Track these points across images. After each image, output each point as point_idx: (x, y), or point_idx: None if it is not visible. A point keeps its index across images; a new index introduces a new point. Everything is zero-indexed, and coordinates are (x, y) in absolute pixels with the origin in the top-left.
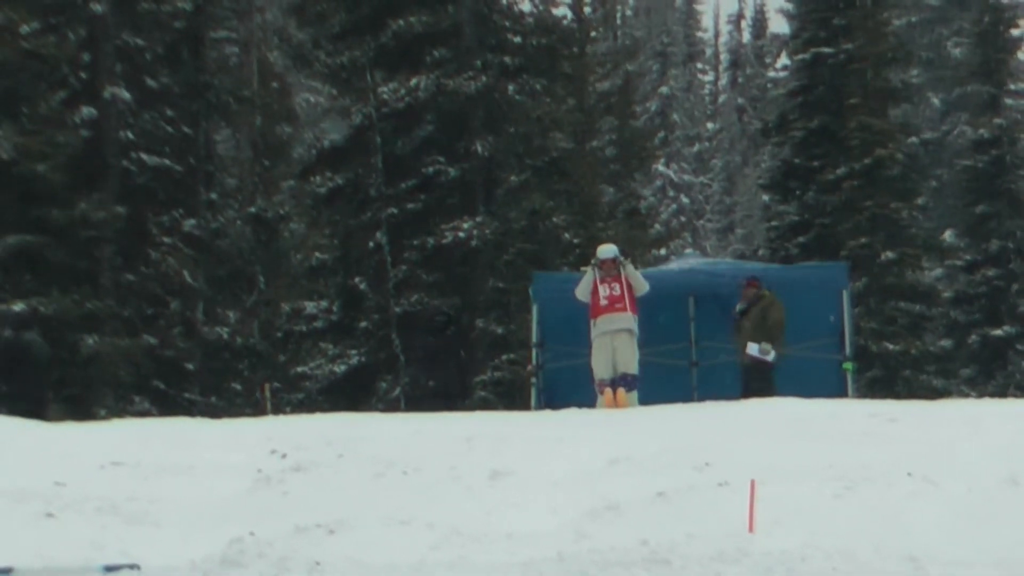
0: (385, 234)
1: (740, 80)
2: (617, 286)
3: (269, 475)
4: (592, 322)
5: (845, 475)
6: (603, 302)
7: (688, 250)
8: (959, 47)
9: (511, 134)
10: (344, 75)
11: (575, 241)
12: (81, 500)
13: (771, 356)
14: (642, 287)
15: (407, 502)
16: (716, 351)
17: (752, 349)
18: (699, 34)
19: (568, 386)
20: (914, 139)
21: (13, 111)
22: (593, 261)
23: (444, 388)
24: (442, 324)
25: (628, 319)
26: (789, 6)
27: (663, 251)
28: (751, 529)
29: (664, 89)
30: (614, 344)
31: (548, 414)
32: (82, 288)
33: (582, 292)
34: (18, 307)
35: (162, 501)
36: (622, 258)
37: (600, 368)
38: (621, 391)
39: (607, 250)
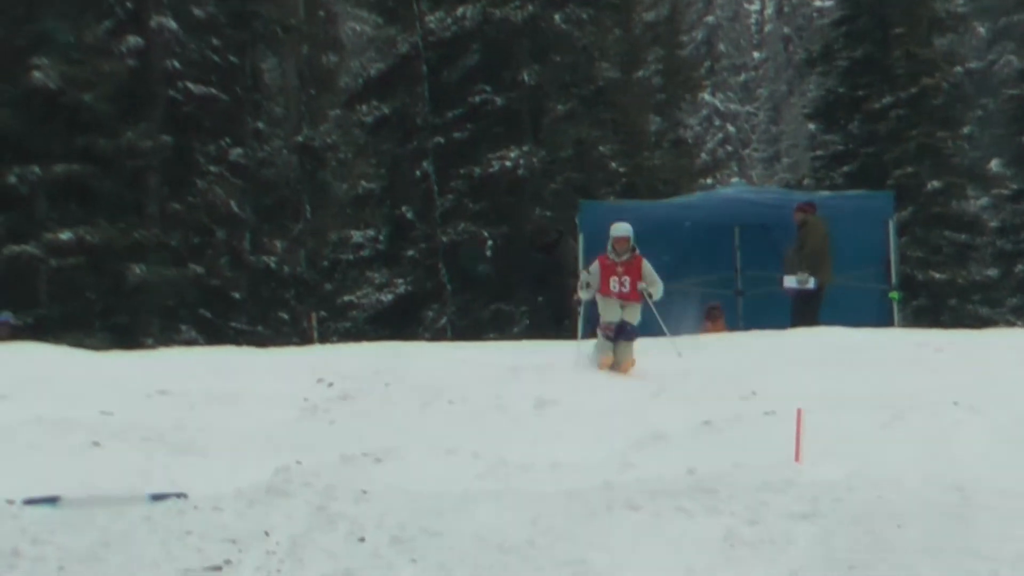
0: (432, 163)
1: (786, 9)
2: (628, 280)
3: (316, 404)
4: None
5: (892, 404)
6: (614, 294)
7: (734, 179)
8: None
9: (557, 63)
10: (390, 3)
11: (621, 170)
12: (127, 429)
13: (810, 284)
14: (657, 290)
15: (453, 431)
16: (762, 280)
17: (788, 282)
18: None
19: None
20: (959, 68)
21: (60, 41)
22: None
23: (552, 306)
24: (553, 241)
25: (637, 308)
26: None
27: (709, 180)
28: (798, 459)
29: (710, 18)
30: (622, 306)
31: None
32: (129, 217)
33: (588, 285)
34: (65, 236)
35: (208, 430)
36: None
37: (608, 314)
38: (622, 348)
39: (621, 228)
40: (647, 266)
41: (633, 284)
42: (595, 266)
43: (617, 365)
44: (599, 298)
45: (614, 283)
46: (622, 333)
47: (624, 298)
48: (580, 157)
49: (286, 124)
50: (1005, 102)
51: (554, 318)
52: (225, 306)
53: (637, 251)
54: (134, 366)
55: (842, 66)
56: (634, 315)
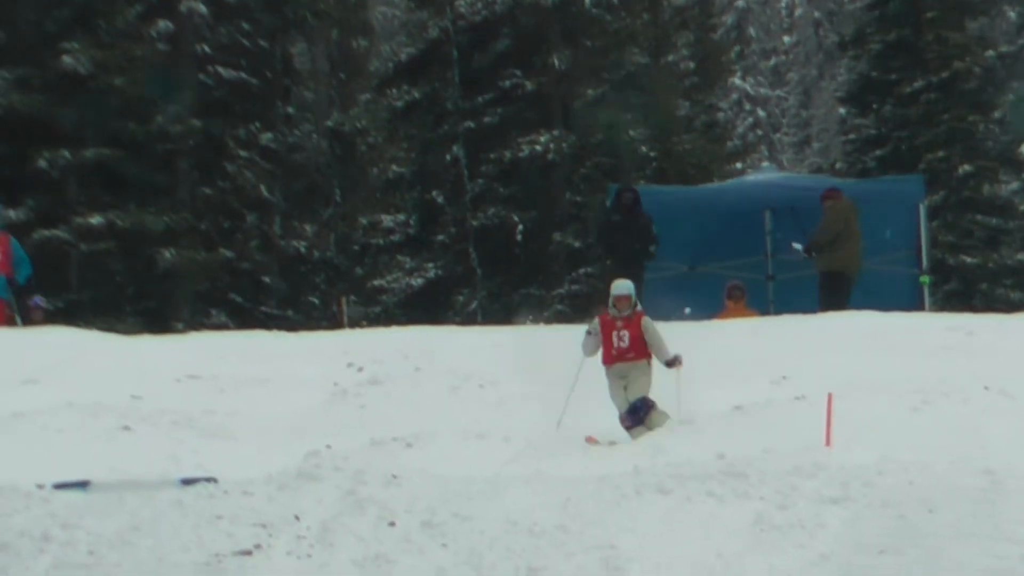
0: (462, 147)
1: None
2: (627, 335)
3: (346, 388)
4: (605, 367)
5: (922, 389)
6: (614, 352)
7: (765, 164)
8: None
9: (588, 48)
10: None
11: (652, 155)
12: (157, 413)
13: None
14: (661, 353)
15: (483, 416)
16: (793, 265)
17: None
18: None
19: (644, 299)
20: (991, 52)
21: (91, 25)
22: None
23: (626, 268)
24: (630, 201)
25: (642, 366)
26: None
27: (739, 165)
28: (828, 443)
29: (740, 2)
30: (627, 382)
31: None
32: (159, 202)
33: (590, 345)
34: (95, 220)
35: (238, 414)
36: (639, 303)
37: (616, 400)
38: (650, 421)
39: (622, 286)
40: (647, 322)
41: (632, 339)
42: (596, 323)
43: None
44: (606, 373)
45: (615, 338)
46: (636, 417)
47: (623, 356)
48: (610, 142)
49: (316, 109)
50: None
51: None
52: (255, 290)
53: (639, 307)
54: (164, 350)
55: (874, 50)
56: (640, 384)
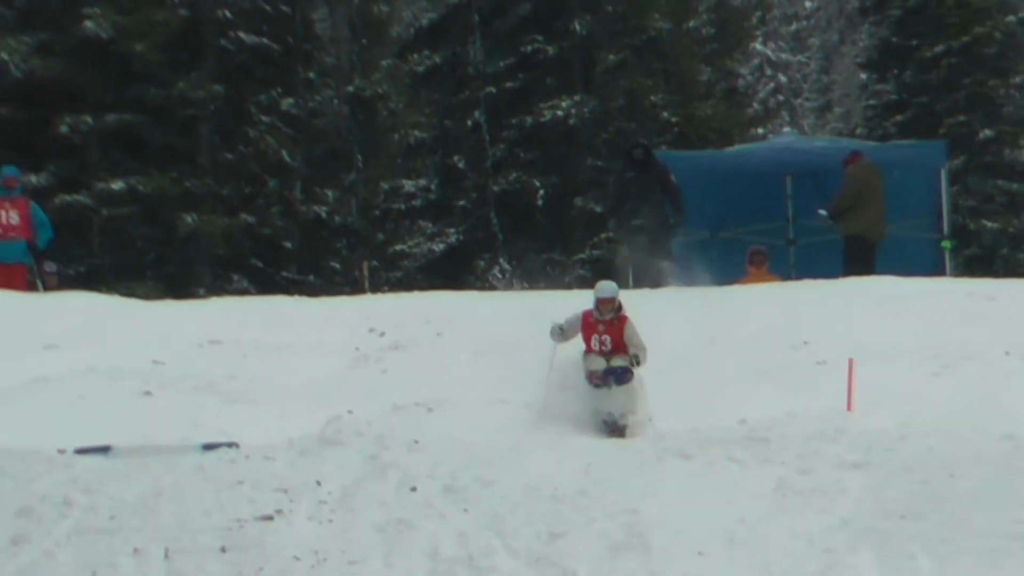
0: (483, 113)
1: None
2: (608, 339)
3: (367, 353)
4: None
5: (943, 354)
6: (593, 348)
7: (786, 129)
8: None
9: (609, 13)
10: None
11: (673, 120)
12: (179, 379)
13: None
14: (643, 356)
15: (505, 381)
16: (814, 229)
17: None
18: None
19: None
20: (1012, 17)
21: None
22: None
23: (650, 229)
24: (641, 157)
25: (626, 358)
26: None
27: (760, 130)
28: (849, 408)
29: None
30: (608, 358)
31: (647, 293)
32: (180, 167)
33: (559, 337)
34: (116, 186)
35: (260, 379)
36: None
37: (592, 364)
38: (619, 396)
39: (606, 288)
40: (631, 327)
41: (615, 343)
42: (576, 317)
43: (615, 420)
44: (582, 355)
45: (595, 341)
46: (612, 376)
47: (607, 356)
48: (631, 107)
49: (337, 74)
50: None
51: (649, 243)
52: (276, 256)
53: (623, 311)
54: (185, 316)
55: (895, 15)
56: (623, 362)
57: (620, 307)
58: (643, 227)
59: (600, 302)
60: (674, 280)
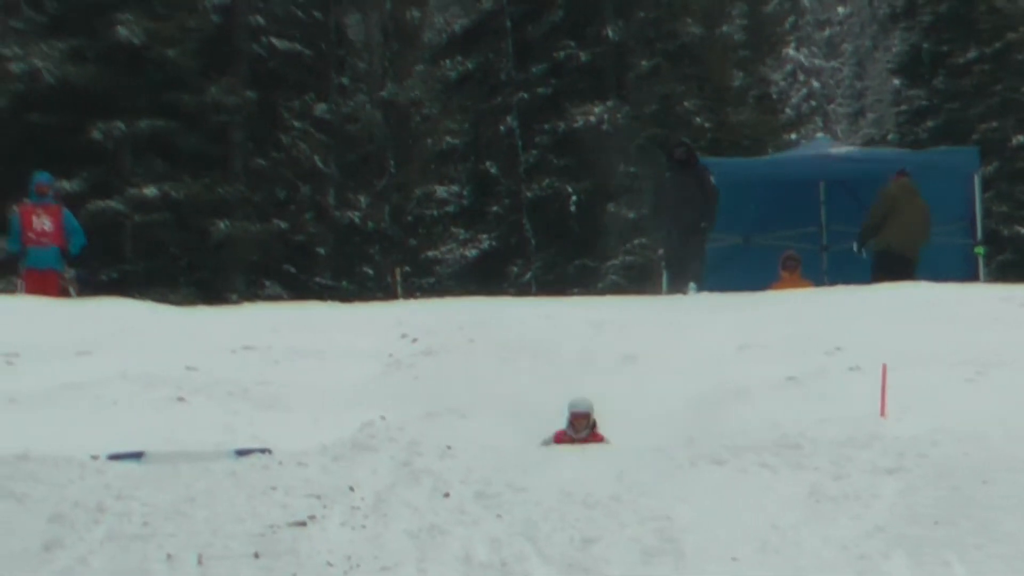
0: (516, 118)
1: None
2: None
3: (400, 359)
4: None
5: (976, 359)
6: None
7: (819, 135)
8: None
9: (641, 19)
10: None
11: (706, 126)
12: (212, 384)
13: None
14: None
15: (538, 386)
16: (848, 236)
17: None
18: None
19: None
20: None
21: None
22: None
23: (685, 227)
24: (683, 156)
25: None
26: None
27: (794, 136)
28: (882, 413)
29: None
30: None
31: (679, 299)
32: (213, 173)
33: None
34: (149, 191)
35: (293, 385)
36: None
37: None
38: None
39: (580, 403)
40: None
41: None
42: (548, 439)
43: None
44: None
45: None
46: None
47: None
48: (664, 113)
49: (370, 80)
50: None
51: (684, 242)
52: (309, 261)
53: (597, 428)
54: (218, 322)
55: (926, 21)
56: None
57: (594, 424)
58: (679, 226)
59: (575, 416)
60: (702, 283)
